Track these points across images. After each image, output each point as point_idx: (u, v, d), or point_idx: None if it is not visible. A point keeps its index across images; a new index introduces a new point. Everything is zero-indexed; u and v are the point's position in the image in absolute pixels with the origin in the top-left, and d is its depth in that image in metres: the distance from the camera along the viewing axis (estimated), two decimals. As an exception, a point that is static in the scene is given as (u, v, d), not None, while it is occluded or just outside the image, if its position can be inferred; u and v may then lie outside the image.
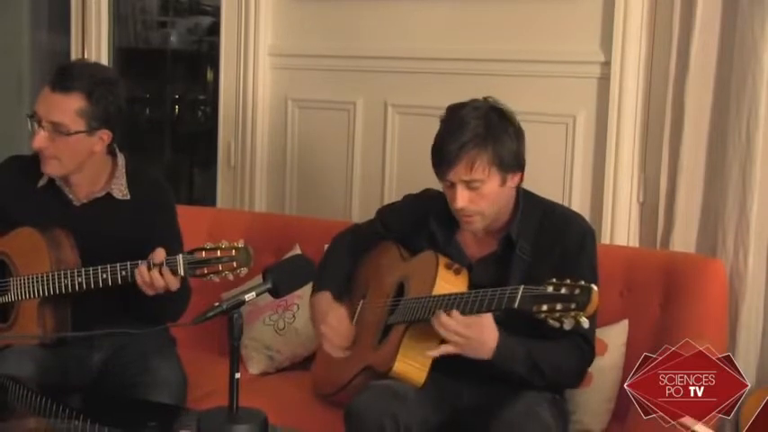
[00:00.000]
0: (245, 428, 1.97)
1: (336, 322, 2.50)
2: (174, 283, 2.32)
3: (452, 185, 2.30)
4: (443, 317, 2.18)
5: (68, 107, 2.42)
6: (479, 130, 2.26)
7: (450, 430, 2.32)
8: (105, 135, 2.48)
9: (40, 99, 2.46)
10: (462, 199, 2.28)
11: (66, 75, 2.45)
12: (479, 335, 2.19)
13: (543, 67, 3.03)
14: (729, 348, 2.69)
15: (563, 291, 1.97)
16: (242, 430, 1.96)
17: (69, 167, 2.50)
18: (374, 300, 2.56)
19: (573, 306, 1.95)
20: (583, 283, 1.97)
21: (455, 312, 2.18)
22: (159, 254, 2.32)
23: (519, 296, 2.05)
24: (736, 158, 2.69)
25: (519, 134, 2.33)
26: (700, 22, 2.72)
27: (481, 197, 2.29)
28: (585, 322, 1.97)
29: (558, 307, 1.97)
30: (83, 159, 2.49)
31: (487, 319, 2.20)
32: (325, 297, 2.55)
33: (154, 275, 2.30)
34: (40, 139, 2.44)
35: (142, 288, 2.32)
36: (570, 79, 3.00)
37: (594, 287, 1.96)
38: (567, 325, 1.97)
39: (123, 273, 2.34)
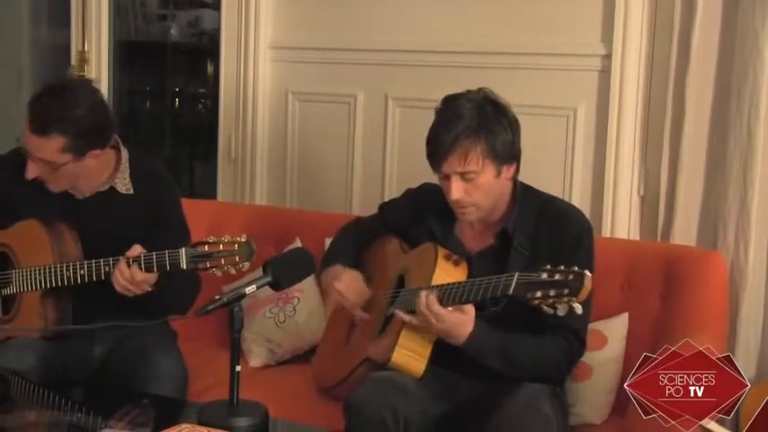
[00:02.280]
0: (246, 421, 1.98)
1: (351, 280, 2.50)
2: (147, 280, 2.31)
3: (447, 177, 2.30)
4: (426, 298, 2.22)
5: (50, 148, 2.41)
6: (473, 121, 2.26)
7: (449, 422, 2.32)
8: (96, 153, 2.47)
9: (24, 133, 2.44)
10: (457, 190, 2.29)
11: (40, 116, 2.40)
12: (453, 324, 2.22)
13: (544, 59, 3.02)
14: (730, 342, 2.69)
15: (557, 277, 2.00)
16: (242, 423, 1.97)
17: (69, 185, 2.52)
18: (375, 293, 2.56)
19: (566, 292, 1.97)
20: (576, 269, 1.99)
21: (433, 299, 2.21)
22: (134, 249, 2.33)
23: (514, 283, 2.07)
24: (737, 151, 2.68)
25: (513, 125, 2.33)
26: (701, 15, 2.72)
27: (476, 188, 2.29)
28: (578, 308, 1.99)
29: (552, 293, 1.99)
30: (80, 176, 2.50)
31: (468, 309, 2.22)
32: (336, 267, 2.55)
33: (122, 270, 2.30)
34: (33, 172, 2.46)
35: (118, 290, 2.33)
36: (571, 72, 3.00)
37: (588, 273, 1.98)
38: (561, 311, 1.99)
39: (125, 265, 2.34)
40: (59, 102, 2.41)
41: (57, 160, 2.42)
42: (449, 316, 2.22)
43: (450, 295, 2.22)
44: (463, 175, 2.28)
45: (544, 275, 2.01)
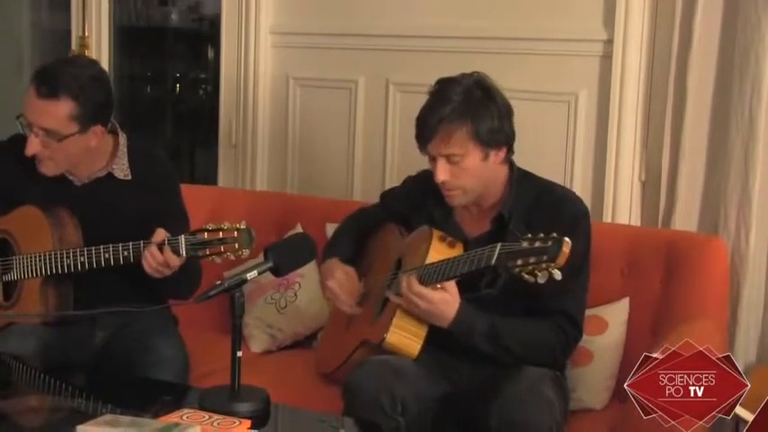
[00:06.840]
0: (247, 406, 1.98)
1: (344, 277, 2.51)
2: (175, 261, 2.32)
3: (434, 159, 2.32)
4: (407, 280, 2.25)
5: (58, 113, 2.39)
6: (459, 105, 2.28)
7: (449, 405, 2.32)
8: (98, 129, 2.47)
9: (28, 104, 2.41)
10: (443, 172, 2.30)
11: (51, 79, 2.39)
12: (436, 302, 2.24)
13: (546, 45, 3.02)
14: (731, 326, 2.70)
15: (537, 244, 2.01)
16: (244, 408, 1.97)
17: (66, 166, 2.51)
18: (375, 278, 2.56)
19: (545, 258, 1.98)
20: (555, 235, 1.99)
21: (413, 280, 2.24)
22: (159, 234, 2.33)
23: (496, 253, 2.08)
24: (739, 137, 2.68)
25: (502, 110, 2.32)
26: (703, -1, 2.71)
27: (462, 171, 2.30)
28: (557, 274, 1.99)
29: (532, 260, 2.00)
30: (79, 157, 2.49)
31: (450, 288, 2.23)
32: (333, 260, 2.56)
33: (154, 254, 2.30)
34: (34, 146, 2.43)
35: (149, 272, 2.33)
36: (572, 57, 2.99)
37: (567, 239, 1.98)
38: (541, 278, 2.00)
39: (125, 253, 2.34)
40: (71, 68, 2.43)
41: (62, 130, 2.40)
42: (431, 294, 2.23)
43: (435, 272, 2.23)
44: (448, 158, 2.29)
45: (525, 244, 2.03)
